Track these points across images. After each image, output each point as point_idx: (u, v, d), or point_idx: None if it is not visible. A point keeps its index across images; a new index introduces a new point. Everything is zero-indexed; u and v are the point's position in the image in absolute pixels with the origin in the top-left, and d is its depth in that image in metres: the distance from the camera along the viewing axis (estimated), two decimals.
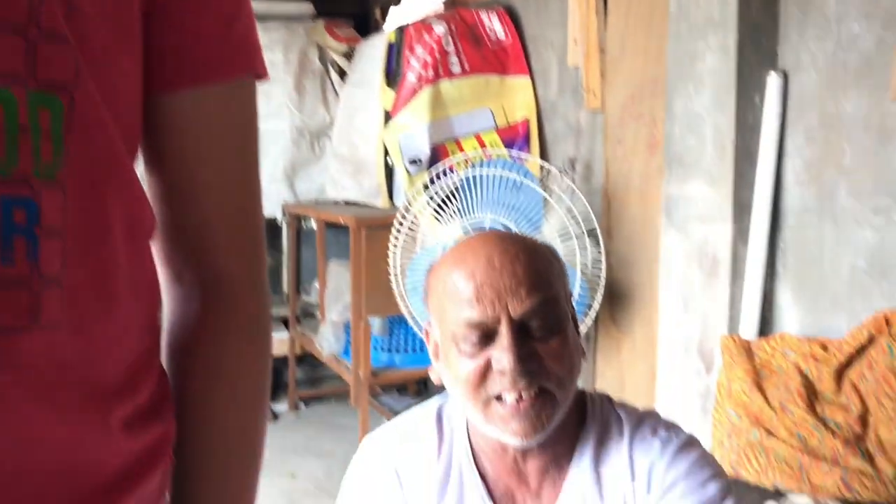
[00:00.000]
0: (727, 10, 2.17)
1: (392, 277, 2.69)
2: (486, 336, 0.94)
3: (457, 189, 2.58)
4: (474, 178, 2.55)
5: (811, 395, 1.91)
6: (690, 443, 1.03)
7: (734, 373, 2.03)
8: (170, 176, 0.66)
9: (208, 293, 0.68)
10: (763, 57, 2.17)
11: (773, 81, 2.14)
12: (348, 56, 4.40)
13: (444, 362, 0.99)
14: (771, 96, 2.14)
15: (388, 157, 3.71)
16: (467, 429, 1.05)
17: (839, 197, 2.03)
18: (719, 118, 2.21)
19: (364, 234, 3.11)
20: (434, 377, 1.04)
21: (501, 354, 0.92)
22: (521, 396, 0.93)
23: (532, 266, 0.96)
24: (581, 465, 1.02)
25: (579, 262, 2.59)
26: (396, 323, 3.50)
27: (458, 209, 2.55)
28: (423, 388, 4.47)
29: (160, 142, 0.65)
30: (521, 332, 0.94)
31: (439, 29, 3.36)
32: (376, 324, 3.46)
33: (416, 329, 2.74)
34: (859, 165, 1.98)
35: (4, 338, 0.51)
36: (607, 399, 1.09)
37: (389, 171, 3.84)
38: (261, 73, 0.68)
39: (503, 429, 0.95)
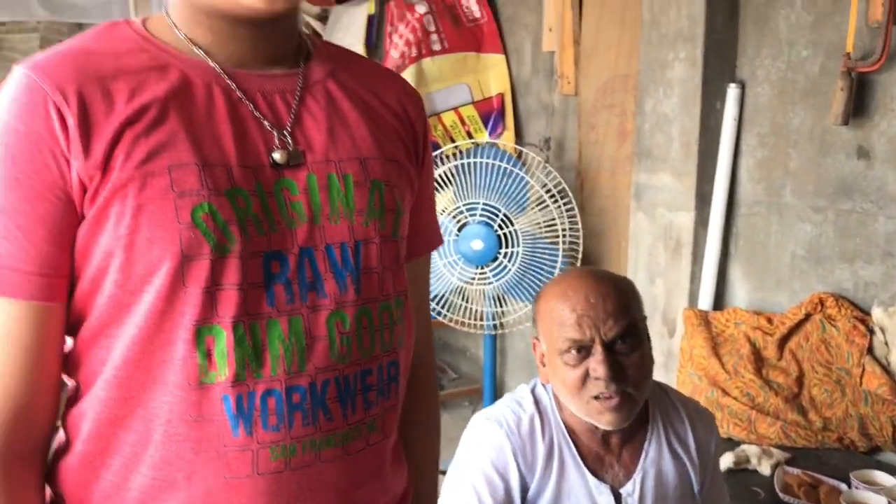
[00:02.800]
0: (695, 26, 2.49)
1: None
2: (585, 352, 1.29)
3: (450, 173, 2.89)
4: (465, 165, 2.85)
5: (758, 361, 2.33)
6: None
7: (695, 340, 2.43)
8: None
9: (412, 372, 1.05)
10: (724, 69, 2.51)
11: (732, 91, 2.49)
12: (322, 19, 4.56)
13: (551, 368, 1.34)
14: (730, 104, 2.49)
15: None
16: (557, 408, 1.38)
17: (785, 194, 2.41)
18: (685, 120, 2.56)
19: None
20: (542, 377, 1.39)
21: (597, 365, 1.27)
22: (611, 396, 1.28)
23: (618, 300, 1.30)
24: (655, 436, 1.39)
25: (560, 230, 2.94)
26: None
27: (454, 192, 2.86)
28: None
29: None
30: (610, 350, 1.28)
31: (421, 8, 3.59)
32: None
33: None
34: (802, 170, 2.36)
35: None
36: (657, 384, 1.47)
37: None
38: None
39: (598, 419, 1.31)
